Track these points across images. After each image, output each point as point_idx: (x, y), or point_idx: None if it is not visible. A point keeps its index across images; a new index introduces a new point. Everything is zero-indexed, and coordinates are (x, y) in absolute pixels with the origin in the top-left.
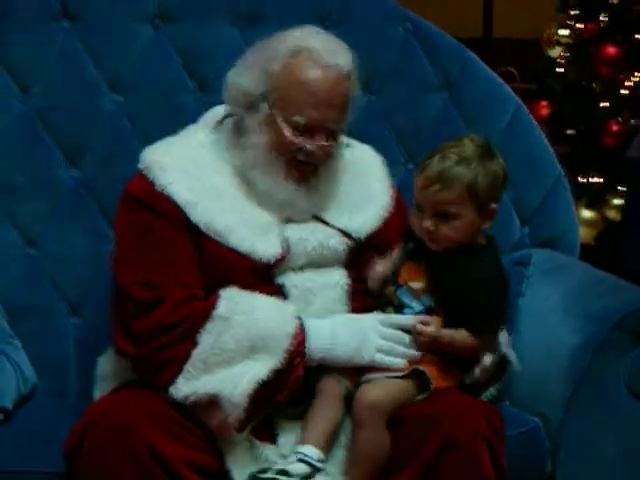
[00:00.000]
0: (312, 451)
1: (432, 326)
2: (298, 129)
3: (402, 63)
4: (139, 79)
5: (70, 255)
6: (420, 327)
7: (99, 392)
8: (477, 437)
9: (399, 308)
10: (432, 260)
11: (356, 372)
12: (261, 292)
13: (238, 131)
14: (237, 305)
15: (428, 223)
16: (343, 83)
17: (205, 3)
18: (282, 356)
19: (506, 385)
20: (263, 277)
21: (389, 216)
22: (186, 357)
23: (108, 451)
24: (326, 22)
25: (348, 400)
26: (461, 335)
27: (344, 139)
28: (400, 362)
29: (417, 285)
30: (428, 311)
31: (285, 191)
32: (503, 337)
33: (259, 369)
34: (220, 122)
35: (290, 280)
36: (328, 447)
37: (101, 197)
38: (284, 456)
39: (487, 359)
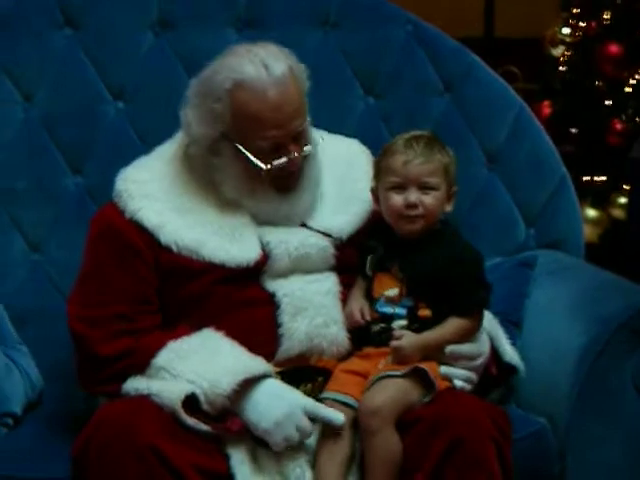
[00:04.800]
0: None
1: (405, 338)
2: (265, 153)
3: (403, 66)
4: (142, 86)
5: (73, 260)
6: (395, 343)
7: (104, 396)
8: (485, 437)
9: (385, 321)
10: (404, 253)
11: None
12: (250, 300)
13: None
14: (180, 361)
15: (413, 196)
16: (289, 87)
17: (204, 8)
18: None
19: (512, 387)
20: (248, 284)
21: (375, 210)
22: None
23: (114, 454)
24: (325, 25)
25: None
26: (442, 331)
27: (317, 136)
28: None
29: (393, 292)
30: (412, 310)
31: (269, 206)
32: (489, 319)
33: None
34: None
35: (281, 288)
36: None
37: (103, 203)
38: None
39: (464, 347)
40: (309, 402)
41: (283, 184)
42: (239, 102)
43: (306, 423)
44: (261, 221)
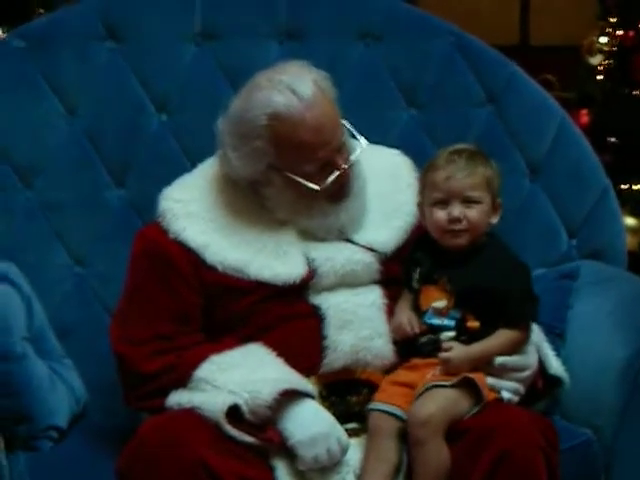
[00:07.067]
0: None
1: (454, 349)
2: (315, 173)
3: (445, 77)
4: (185, 98)
5: (117, 273)
6: (444, 355)
7: (148, 412)
8: (533, 448)
9: (433, 332)
10: (452, 265)
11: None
12: (296, 314)
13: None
14: (221, 373)
15: (456, 211)
16: (321, 103)
17: (246, 20)
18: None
19: (557, 398)
20: (294, 300)
21: (419, 223)
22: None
23: (161, 468)
24: (367, 37)
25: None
26: (490, 343)
27: (356, 143)
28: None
29: (441, 303)
30: (460, 322)
31: (326, 220)
32: (535, 332)
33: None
34: None
35: (325, 301)
36: None
37: (147, 216)
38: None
39: (513, 359)
40: (345, 435)
41: (337, 195)
42: (280, 134)
43: (337, 449)
44: (311, 237)
